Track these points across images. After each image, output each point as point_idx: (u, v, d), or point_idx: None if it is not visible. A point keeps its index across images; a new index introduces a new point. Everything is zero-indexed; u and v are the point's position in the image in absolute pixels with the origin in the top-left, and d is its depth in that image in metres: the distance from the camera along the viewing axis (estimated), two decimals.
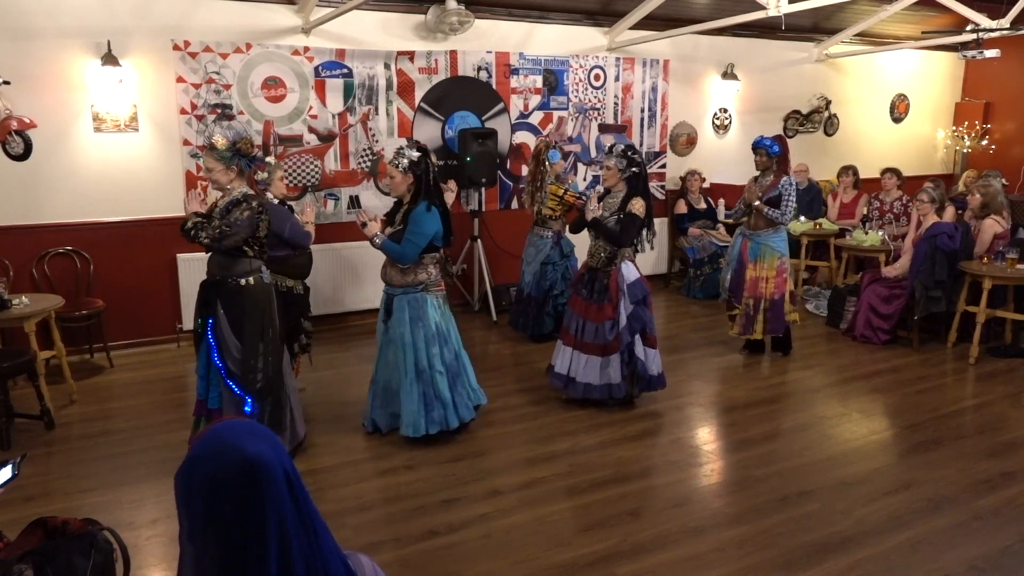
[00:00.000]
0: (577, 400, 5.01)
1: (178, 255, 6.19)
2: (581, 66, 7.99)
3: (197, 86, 6.22)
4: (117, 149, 6.03)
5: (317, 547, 1.23)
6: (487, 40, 7.42)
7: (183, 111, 6.20)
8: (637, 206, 4.74)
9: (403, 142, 6.94)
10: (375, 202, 6.94)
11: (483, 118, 7.54)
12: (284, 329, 4.79)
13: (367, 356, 5.58)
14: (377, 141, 7.03)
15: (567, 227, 5.24)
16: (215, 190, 4.12)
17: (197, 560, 1.22)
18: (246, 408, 4.08)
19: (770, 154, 5.77)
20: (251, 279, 4.04)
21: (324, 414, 4.94)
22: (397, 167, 4.27)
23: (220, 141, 3.96)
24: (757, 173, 5.93)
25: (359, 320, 7.02)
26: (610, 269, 4.84)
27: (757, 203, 5.79)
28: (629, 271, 4.86)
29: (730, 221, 6.07)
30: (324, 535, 1.26)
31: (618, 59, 8.19)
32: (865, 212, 8.45)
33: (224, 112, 6.33)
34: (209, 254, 4.05)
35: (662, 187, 8.82)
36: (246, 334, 4.01)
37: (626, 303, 4.82)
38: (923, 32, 9.00)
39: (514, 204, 7.90)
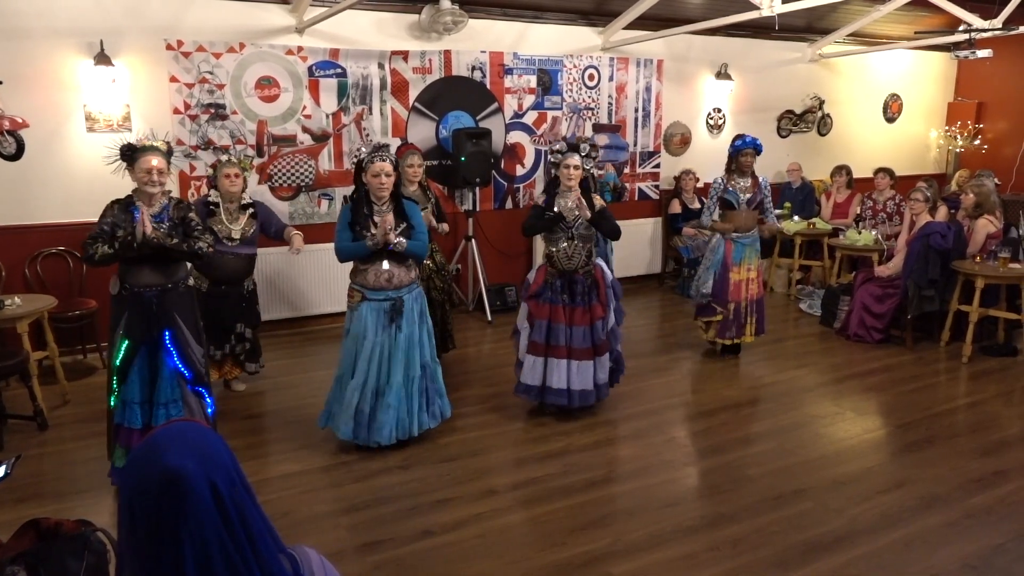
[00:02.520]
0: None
1: None
2: (575, 66, 8.00)
3: (190, 86, 6.21)
4: (110, 149, 5.99)
5: (253, 555, 1.20)
6: (481, 40, 7.42)
7: (176, 111, 6.19)
8: (599, 200, 4.75)
9: (395, 143, 6.98)
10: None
11: (477, 118, 7.54)
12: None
13: None
14: (371, 141, 7.02)
15: (523, 229, 4.88)
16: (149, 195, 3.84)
17: (128, 564, 1.21)
18: (209, 410, 4.04)
19: (758, 152, 5.73)
20: (191, 279, 4.03)
21: (313, 415, 4.92)
22: (389, 163, 4.16)
23: (168, 145, 3.89)
24: (722, 176, 5.79)
25: None
26: (590, 269, 4.76)
27: (772, 224, 5.99)
28: (606, 268, 4.88)
29: (728, 226, 5.86)
30: (262, 540, 1.22)
31: (612, 59, 8.20)
32: (858, 212, 8.48)
33: (217, 112, 6.32)
34: (138, 265, 3.76)
35: (656, 187, 8.83)
36: (202, 334, 4.02)
37: (612, 299, 4.83)
38: (916, 32, 9.03)
39: (508, 204, 7.90)
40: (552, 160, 4.76)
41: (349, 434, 4.29)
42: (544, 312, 4.73)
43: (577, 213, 4.60)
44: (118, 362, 3.80)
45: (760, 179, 5.77)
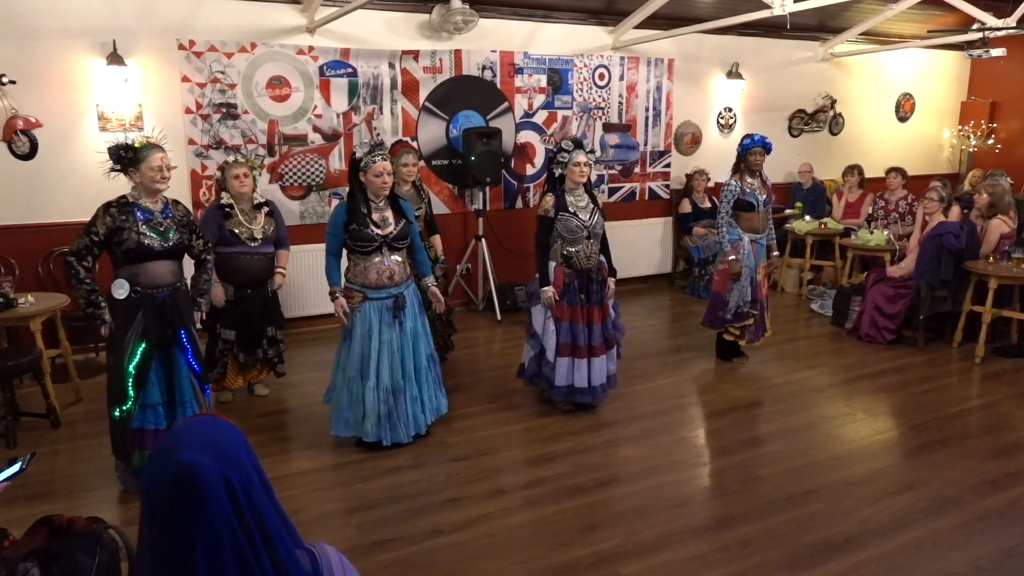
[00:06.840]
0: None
1: None
2: (585, 65, 7.99)
3: (202, 85, 6.23)
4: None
5: (267, 551, 1.20)
6: (492, 39, 7.42)
7: (188, 110, 6.22)
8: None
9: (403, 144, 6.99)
10: None
11: (487, 117, 7.54)
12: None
13: None
14: (382, 140, 7.03)
15: (538, 246, 4.82)
16: (156, 190, 3.78)
17: (143, 558, 1.22)
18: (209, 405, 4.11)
19: (767, 151, 5.60)
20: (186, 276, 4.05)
21: (324, 413, 4.93)
22: (389, 161, 4.20)
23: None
24: (735, 178, 5.57)
25: None
26: (599, 266, 4.83)
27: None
28: (604, 262, 4.92)
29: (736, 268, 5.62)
30: (278, 536, 1.22)
31: (622, 58, 8.18)
32: (870, 211, 8.44)
33: (229, 111, 6.35)
34: (152, 266, 3.73)
35: (666, 186, 8.81)
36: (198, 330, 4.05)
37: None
38: (929, 31, 8.97)
39: (518, 203, 7.90)
40: (560, 159, 4.70)
41: (375, 436, 4.30)
42: (566, 313, 4.77)
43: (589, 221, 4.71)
44: (133, 368, 3.72)
45: (767, 179, 5.71)
